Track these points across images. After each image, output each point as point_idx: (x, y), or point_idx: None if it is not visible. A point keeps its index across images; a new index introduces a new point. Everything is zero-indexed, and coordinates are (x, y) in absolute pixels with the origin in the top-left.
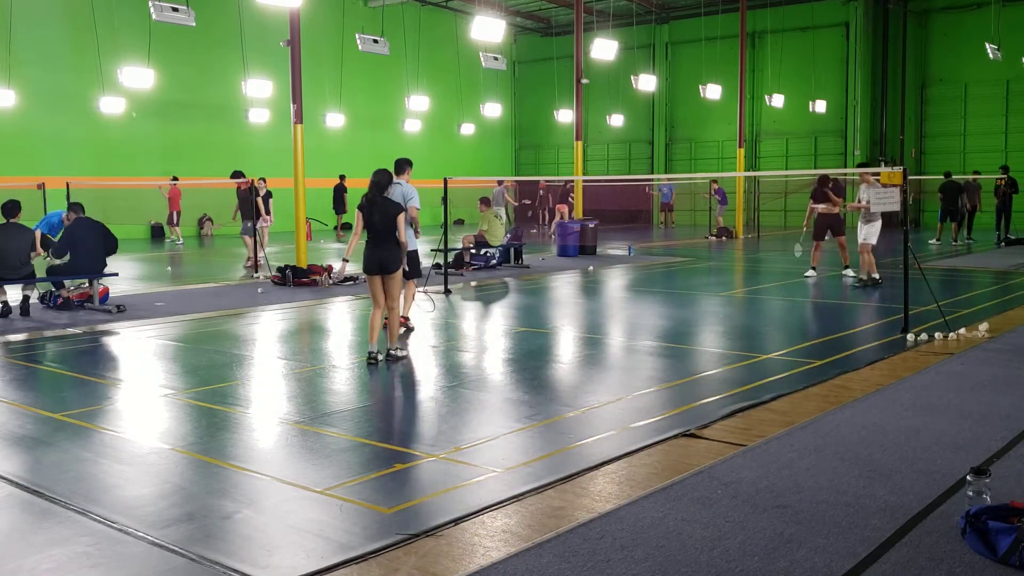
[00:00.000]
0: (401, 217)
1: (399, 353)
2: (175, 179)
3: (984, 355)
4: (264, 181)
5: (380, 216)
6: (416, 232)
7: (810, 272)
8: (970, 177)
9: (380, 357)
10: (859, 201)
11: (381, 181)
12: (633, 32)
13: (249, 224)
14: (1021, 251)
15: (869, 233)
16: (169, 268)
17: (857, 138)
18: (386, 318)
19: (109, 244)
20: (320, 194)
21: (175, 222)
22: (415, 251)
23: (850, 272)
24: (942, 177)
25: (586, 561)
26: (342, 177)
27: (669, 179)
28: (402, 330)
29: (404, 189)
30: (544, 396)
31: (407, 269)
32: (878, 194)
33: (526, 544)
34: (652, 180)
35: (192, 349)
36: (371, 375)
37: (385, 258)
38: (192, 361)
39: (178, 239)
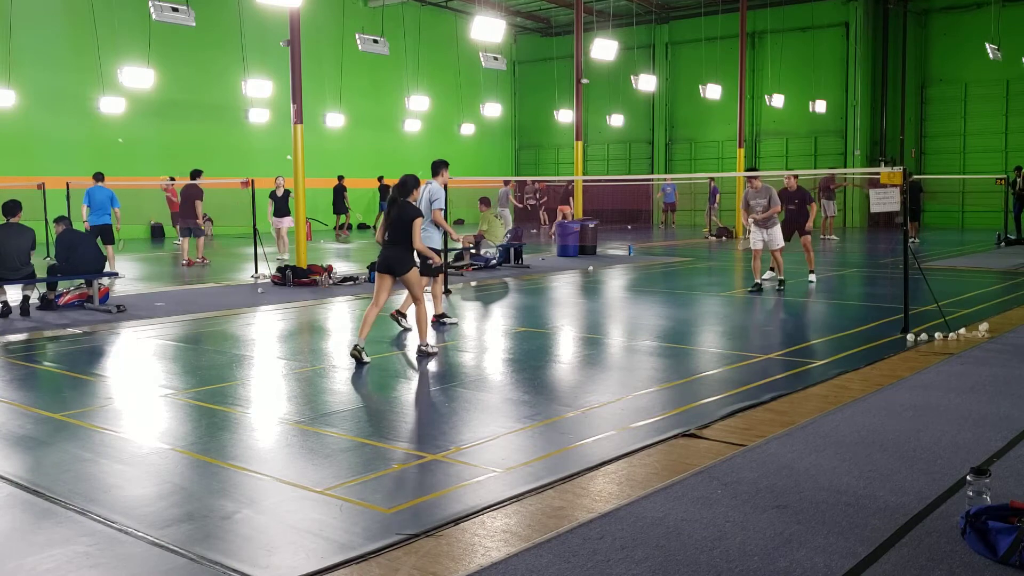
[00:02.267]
0: (416, 222)
1: (429, 350)
2: (172, 179)
3: (984, 355)
4: (282, 180)
5: (396, 217)
6: (449, 232)
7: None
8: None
9: (367, 358)
10: (747, 207)
11: (407, 183)
12: (633, 32)
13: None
14: (1021, 251)
15: (776, 237)
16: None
17: (857, 138)
18: (388, 311)
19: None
20: (322, 194)
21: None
22: (434, 250)
23: (813, 277)
24: (943, 177)
25: (586, 561)
26: (340, 178)
27: (673, 179)
28: (441, 325)
29: (431, 189)
30: (544, 396)
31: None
32: (757, 196)
33: (526, 544)
34: (653, 180)
35: (192, 349)
36: (371, 374)
37: (392, 259)
38: (192, 361)
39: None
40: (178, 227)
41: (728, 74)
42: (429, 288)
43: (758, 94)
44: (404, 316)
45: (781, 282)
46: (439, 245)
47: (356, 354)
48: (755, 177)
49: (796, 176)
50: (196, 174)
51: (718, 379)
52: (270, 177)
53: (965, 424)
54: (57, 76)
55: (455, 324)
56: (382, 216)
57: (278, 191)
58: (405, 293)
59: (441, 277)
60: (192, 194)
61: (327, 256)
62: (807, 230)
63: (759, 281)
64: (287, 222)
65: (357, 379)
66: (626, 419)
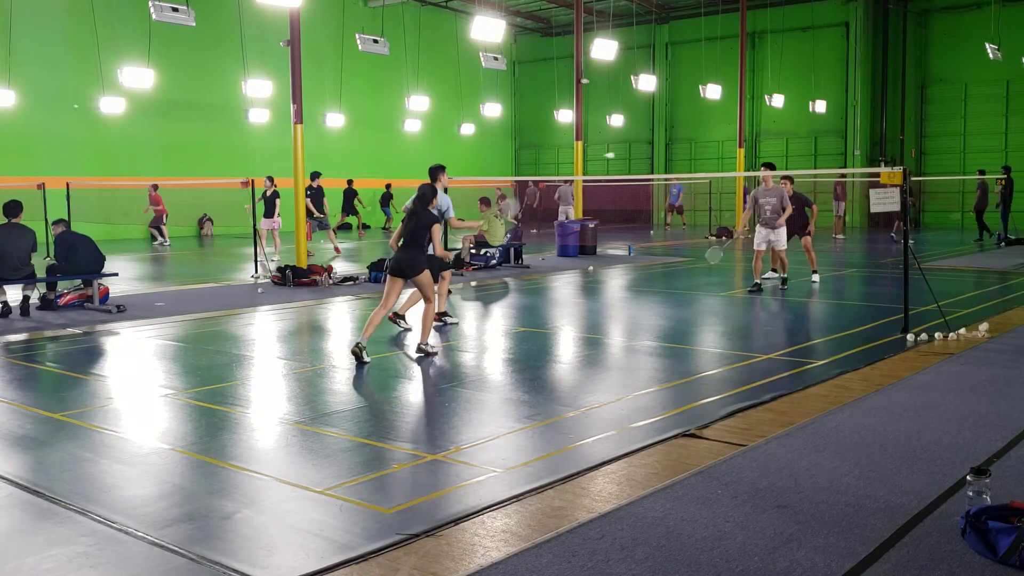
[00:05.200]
0: (435, 228)
1: (429, 350)
2: (155, 187)
3: (984, 355)
4: (272, 180)
5: (415, 225)
6: (470, 226)
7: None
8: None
9: (367, 358)
10: (754, 205)
11: (426, 195)
12: (633, 32)
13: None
14: (1021, 251)
15: (781, 237)
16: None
17: (857, 138)
18: (387, 314)
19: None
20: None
21: (162, 222)
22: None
23: (816, 277)
24: (943, 178)
25: (586, 561)
26: (350, 181)
27: (679, 179)
28: (443, 324)
29: (439, 199)
30: (544, 396)
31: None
32: (767, 195)
33: (526, 544)
34: (653, 180)
35: (192, 349)
36: (371, 374)
37: (404, 262)
38: (192, 361)
39: (164, 239)
40: (313, 225)
41: (728, 74)
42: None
43: (758, 94)
44: (403, 318)
45: (784, 280)
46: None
47: (357, 352)
48: (769, 174)
49: (792, 180)
50: (316, 175)
51: (718, 379)
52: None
53: (965, 424)
54: (57, 76)
55: (456, 324)
56: (391, 222)
57: (268, 191)
58: (406, 295)
59: (448, 276)
60: (317, 195)
61: (327, 256)
62: (808, 232)
63: (759, 281)
64: (277, 223)
65: (357, 379)
66: (626, 419)
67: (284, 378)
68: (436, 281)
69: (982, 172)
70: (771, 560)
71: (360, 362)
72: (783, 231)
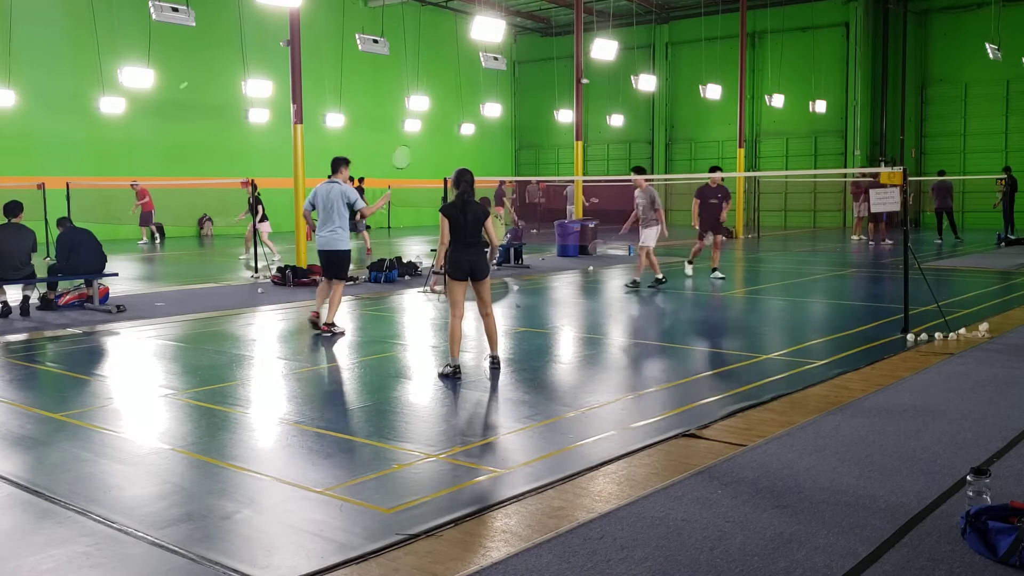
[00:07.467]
0: (489, 221)
1: (499, 358)
2: (134, 185)
3: (984, 355)
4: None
5: (472, 218)
6: (360, 227)
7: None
8: (936, 177)
9: (457, 373)
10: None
11: (472, 180)
12: (633, 32)
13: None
14: (1021, 251)
15: (647, 236)
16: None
17: (857, 138)
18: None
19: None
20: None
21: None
22: (348, 251)
23: (719, 274)
24: (943, 178)
25: (586, 561)
26: (361, 179)
27: (668, 179)
28: (328, 335)
29: (343, 189)
30: (544, 396)
31: (327, 269)
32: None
33: (526, 544)
34: (654, 180)
35: (192, 349)
36: (370, 374)
37: (477, 263)
38: (192, 361)
39: (144, 239)
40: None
41: (728, 74)
42: (322, 291)
43: (758, 94)
44: (333, 324)
45: (659, 281)
46: (347, 246)
47: (457, 375)
48: (642, 177)
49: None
50: (360, 179)
51: (718, 379)
52: (270, 177)
53: (965, 424)
54: (57, 76)
55: (342, 334)
56: (447, 224)
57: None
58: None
59: (342, 286)
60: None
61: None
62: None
63: (637, 279)
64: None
65: (357, 379)
66: (626, 419)
67: (284, 378)
68: (343, 279)
69: (942, 173)
70: (771, 560)
71: (453, 378)
72: (652, 231)
